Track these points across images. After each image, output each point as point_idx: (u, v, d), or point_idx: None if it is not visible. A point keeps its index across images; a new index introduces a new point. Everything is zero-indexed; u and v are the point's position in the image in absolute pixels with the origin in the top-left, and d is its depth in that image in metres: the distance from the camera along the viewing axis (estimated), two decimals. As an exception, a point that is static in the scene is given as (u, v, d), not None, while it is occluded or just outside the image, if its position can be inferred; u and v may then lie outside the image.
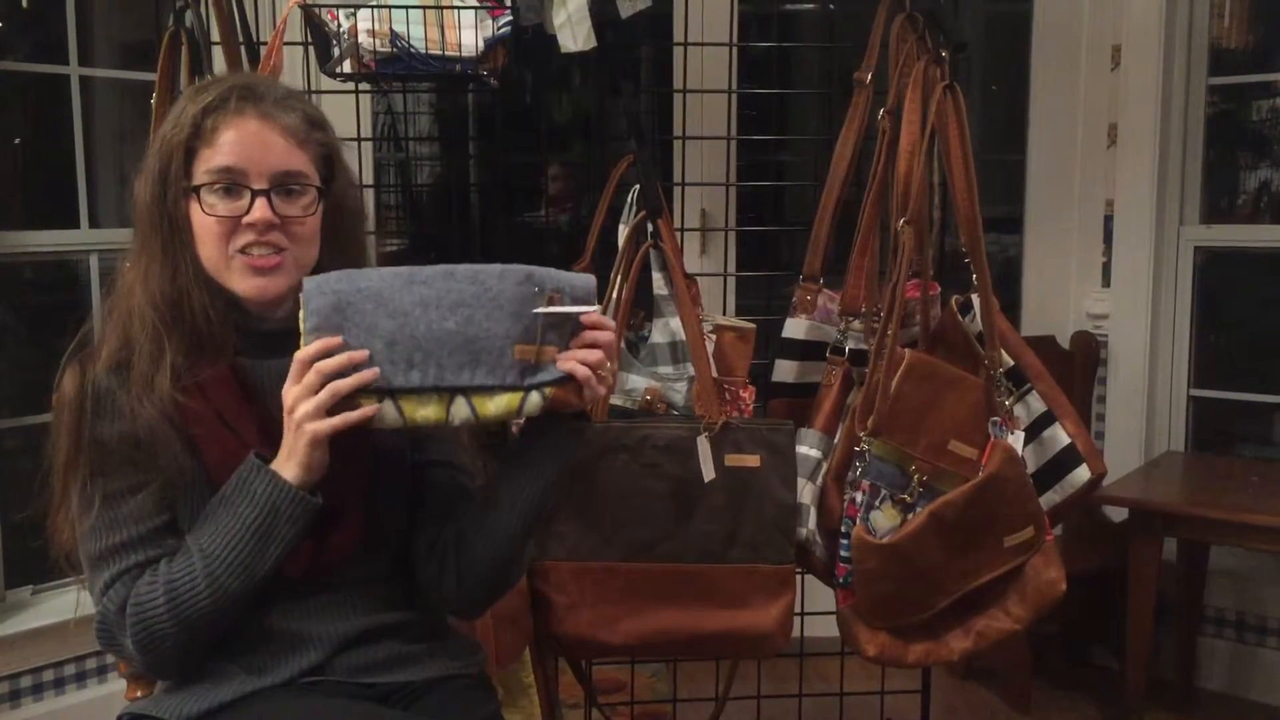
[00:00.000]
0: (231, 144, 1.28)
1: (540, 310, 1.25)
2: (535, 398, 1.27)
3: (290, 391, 1.22)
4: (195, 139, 1.29)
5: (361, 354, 1.22)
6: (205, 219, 1.29)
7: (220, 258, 1.30)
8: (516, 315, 1.25)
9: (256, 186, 1.28)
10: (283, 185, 1.30)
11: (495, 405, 1.26)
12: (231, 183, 1.28)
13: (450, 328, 1.24)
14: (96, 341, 1.34)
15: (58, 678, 2.61)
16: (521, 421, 1.33)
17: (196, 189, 1.29)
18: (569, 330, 1.27)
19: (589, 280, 1.29)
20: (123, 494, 1.28)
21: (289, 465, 1.24)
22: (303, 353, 1.22)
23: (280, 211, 1.29)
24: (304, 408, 1.21)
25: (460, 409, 1.25)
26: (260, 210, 1.28)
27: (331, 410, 1.22)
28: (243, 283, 1.30)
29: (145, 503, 1.28)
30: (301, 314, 1.24)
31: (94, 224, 2.75)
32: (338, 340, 1.22)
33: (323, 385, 1.21)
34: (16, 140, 2.88)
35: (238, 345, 1.33)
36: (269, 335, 1.34)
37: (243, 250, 1.29)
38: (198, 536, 1.26)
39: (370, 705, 1.32)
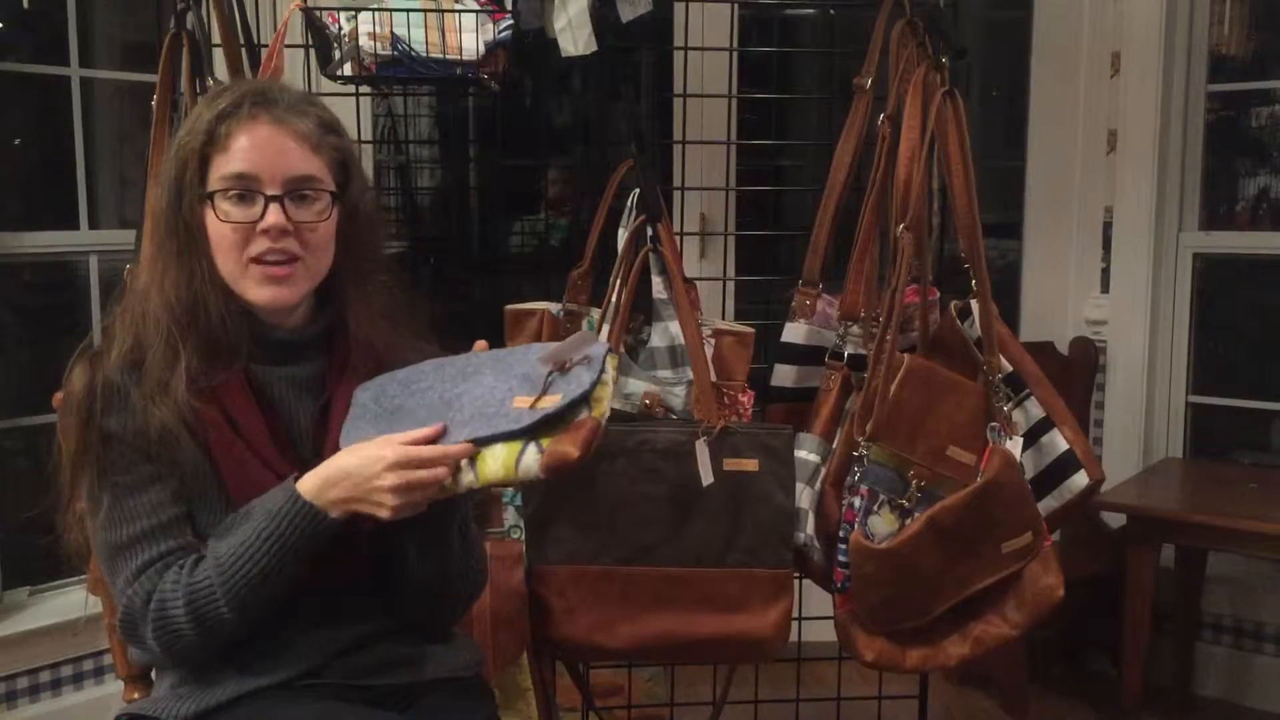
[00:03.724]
0: (244, 150, 1.28)
1: (535, 344, 1.33)
2: (532, 453, 1.25)
3: (387, 479, 1.22)
4: (209, 145, 1.29)
5: (427, 432, 1.26)
6: (220, 226, 1.29)
7: (236, 265, 1.30)
8: (524, 377, 1.28)
9: (270, 192, 1.28)
10: (295, 190, 1.30)
11: (494, 460, 1.25)
12: (245, 189, 1.28)
13: (458, 391, 1.29)
14: (106, 341, 1.34)
15: (55, 679, 2.61)
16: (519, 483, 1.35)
17: (211, 195, 1.29)
18: (575, 392, 1.26)
19: (601, 346, 1.31)
20: (134, 487, 1.28)
21: (340, 506, 1.25)
22: (397, 452, 1.23)
23: (293, 217, 1.29)
24: (394, 501, 1.23)
25: (465, 475, 1.26)
26: (273, 216, 1.28)
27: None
28: (257, 291, 1.30)
29: (160, 495, 1.28)
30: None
31: (94, 225, 2.75)
32: (429, 432, 1.26)
33: (405, 482, 1.23)
34: (17, 141, 2.88)
35: (251, 352, 1.33)
36: (281, 344, 1.34)
37: (257, 259, 1.29)
38: (217, 547, 1.27)
39: (366, 708, 1.31)
